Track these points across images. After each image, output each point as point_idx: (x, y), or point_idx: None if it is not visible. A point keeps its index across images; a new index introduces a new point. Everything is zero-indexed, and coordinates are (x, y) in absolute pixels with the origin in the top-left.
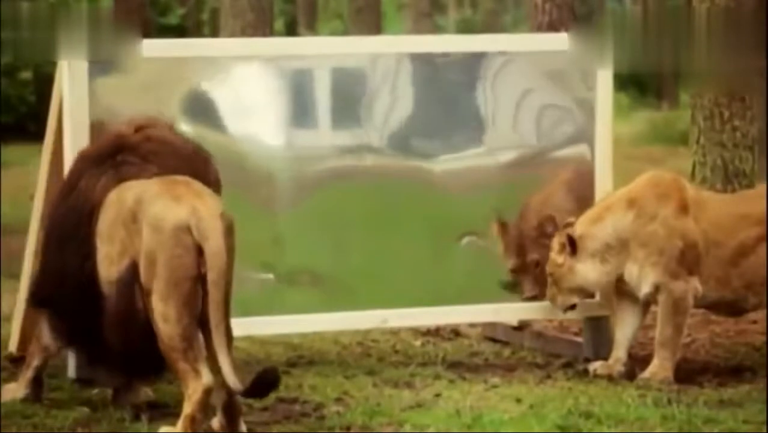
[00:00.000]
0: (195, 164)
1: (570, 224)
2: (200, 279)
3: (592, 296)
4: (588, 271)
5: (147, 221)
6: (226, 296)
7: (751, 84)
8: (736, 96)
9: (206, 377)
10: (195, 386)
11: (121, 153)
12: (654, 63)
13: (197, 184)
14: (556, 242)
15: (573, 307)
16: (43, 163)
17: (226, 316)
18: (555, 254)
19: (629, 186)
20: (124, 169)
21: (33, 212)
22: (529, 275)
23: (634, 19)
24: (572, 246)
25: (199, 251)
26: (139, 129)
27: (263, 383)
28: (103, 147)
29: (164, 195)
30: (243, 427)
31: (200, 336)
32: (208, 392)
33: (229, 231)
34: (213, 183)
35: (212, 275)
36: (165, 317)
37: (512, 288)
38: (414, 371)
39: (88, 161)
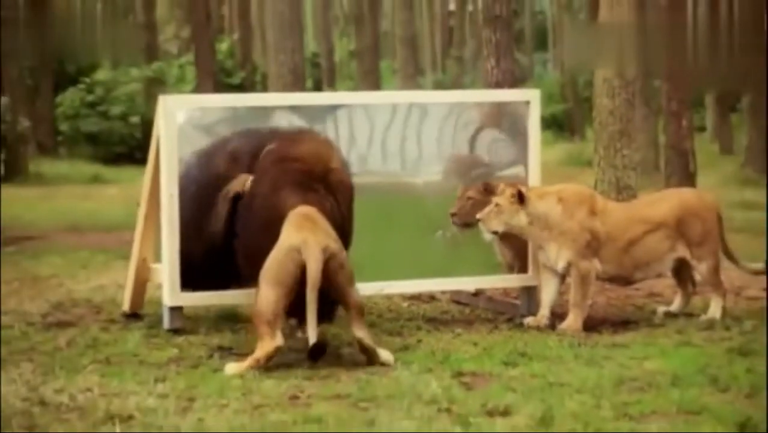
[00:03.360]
0: (349, 201)
1: (511, 184)
2: (299, 281)
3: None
4: (523, 219)
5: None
6: (345, 290)
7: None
8: (625, 133)
9: (279, 339)
10: (270, 342)
11: (314, 180)
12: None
13: (321, 222)
14: (509, 192)
15: (496, 233)
16: (146, 181)
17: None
18: (509, 197)
19: (561, 186)
20: (309, 195)
21: (138, 215)
22: (459, 202)
23: (554, 81)
24: (521, 198)
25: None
26: (327, 166)
27: (317, 350)
28: (303, 174)
29: (292, 224)
30: (382, 358)
31: (284, 312)
32: (277, 350)
33: (331, 258)
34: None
35: (309, 285)
36: (266, 296)
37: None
38: (402, 324)
39: (291, 181)
